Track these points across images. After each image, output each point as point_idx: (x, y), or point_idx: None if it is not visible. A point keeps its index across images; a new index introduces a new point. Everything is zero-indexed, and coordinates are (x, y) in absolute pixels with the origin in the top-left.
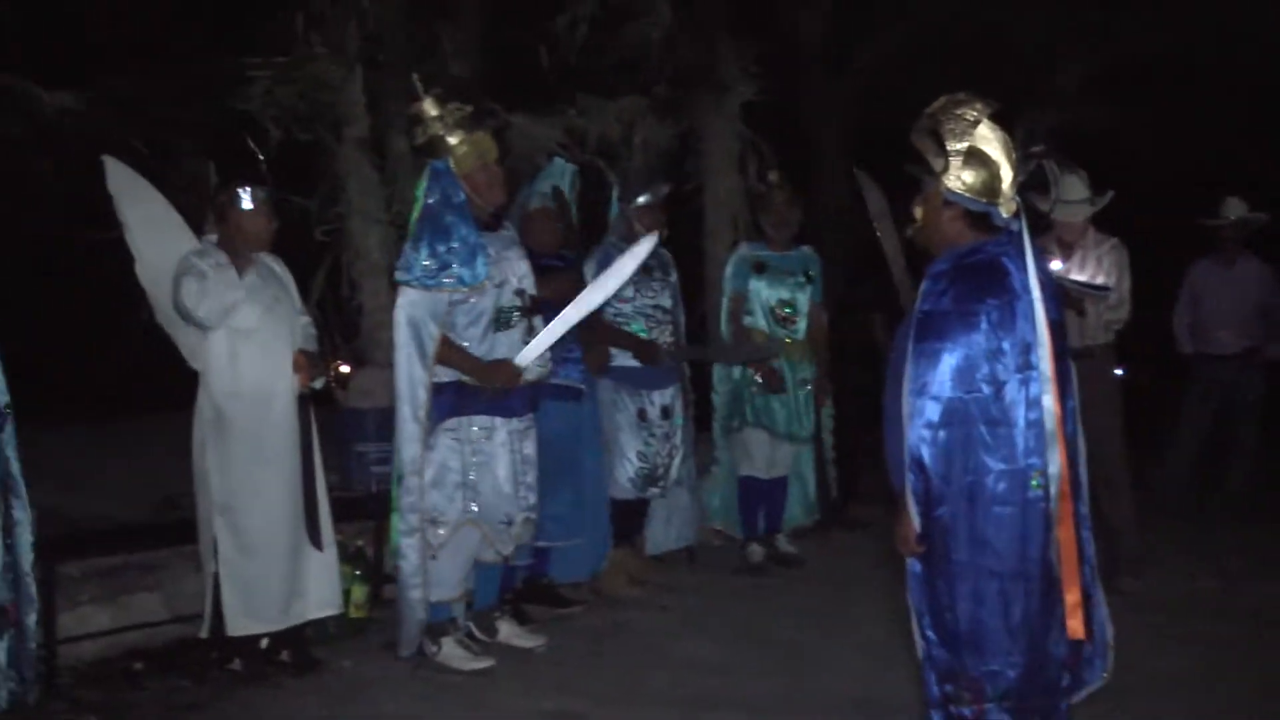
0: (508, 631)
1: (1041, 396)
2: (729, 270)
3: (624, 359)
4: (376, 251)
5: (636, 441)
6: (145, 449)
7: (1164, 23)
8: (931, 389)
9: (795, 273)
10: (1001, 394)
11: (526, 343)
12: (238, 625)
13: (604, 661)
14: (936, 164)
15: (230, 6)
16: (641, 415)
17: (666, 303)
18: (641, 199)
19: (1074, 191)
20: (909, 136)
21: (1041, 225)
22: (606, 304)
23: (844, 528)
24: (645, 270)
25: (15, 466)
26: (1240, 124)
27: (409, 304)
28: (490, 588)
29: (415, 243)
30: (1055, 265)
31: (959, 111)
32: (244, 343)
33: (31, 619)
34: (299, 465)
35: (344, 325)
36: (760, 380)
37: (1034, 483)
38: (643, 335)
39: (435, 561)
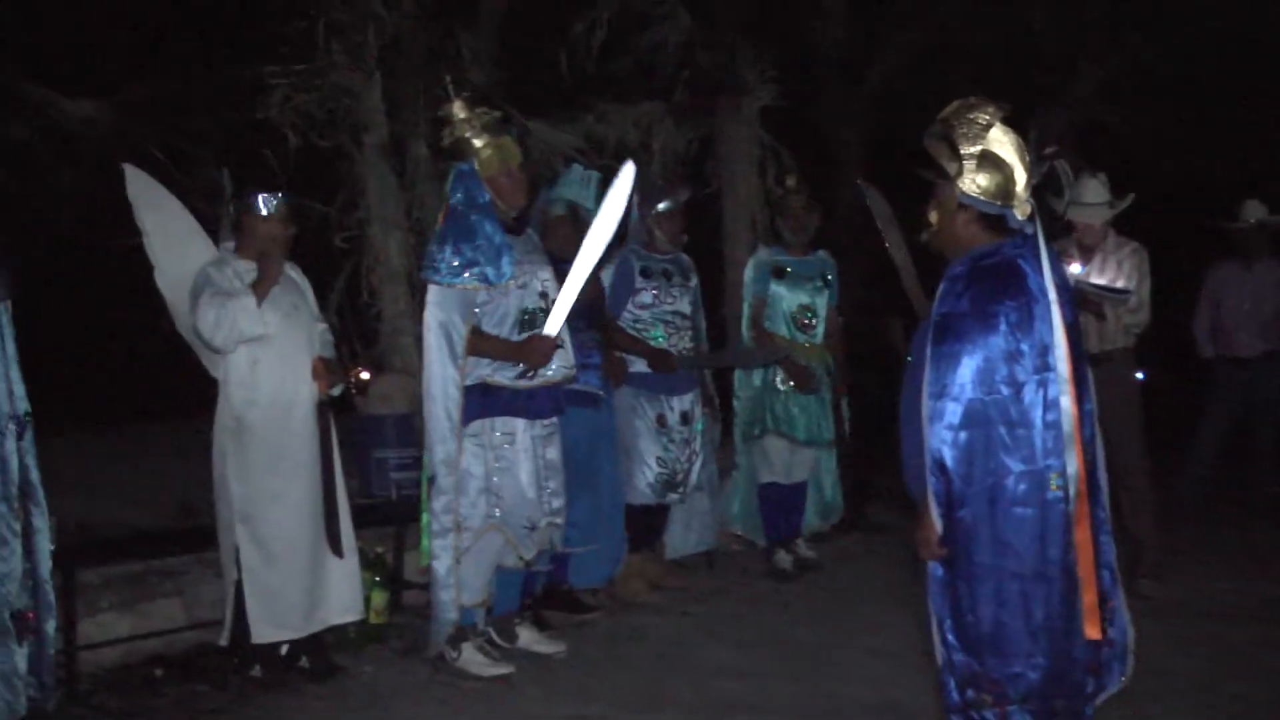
0: (527, 637)
1: (1059, 398)
2: (749, 275)
3: (642, 365)
4: (396, 257)
5: (656, 447)
6: (163, 456)
7: (1182, 25)
8: (951, 391)
9: (813, 277)
10: (1020, 395)
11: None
12: (262, 633)
13: (623, 667)
14: (950, 168)
15: (250, 15)
16: (661, 421)
17: (686, 308)
18: (662, 205)
19: (1094, 194)
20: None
21: (1057, 228)
22: (625, 310)
23: (863, 531)
24: (665, 275)
25: (35, 474)
26: (1261, 127)
27: (436, 303)
28: (511, 593)
29: (440, 242)
30: (1074, 269)
31: (972, 115)
32: (263, 351)
33: (51, 626)
34: (319, 472)
35: (363, 332)
36: (789, 383)
37: (1053, 484)
38: (662, 341)
39: (458, 566)
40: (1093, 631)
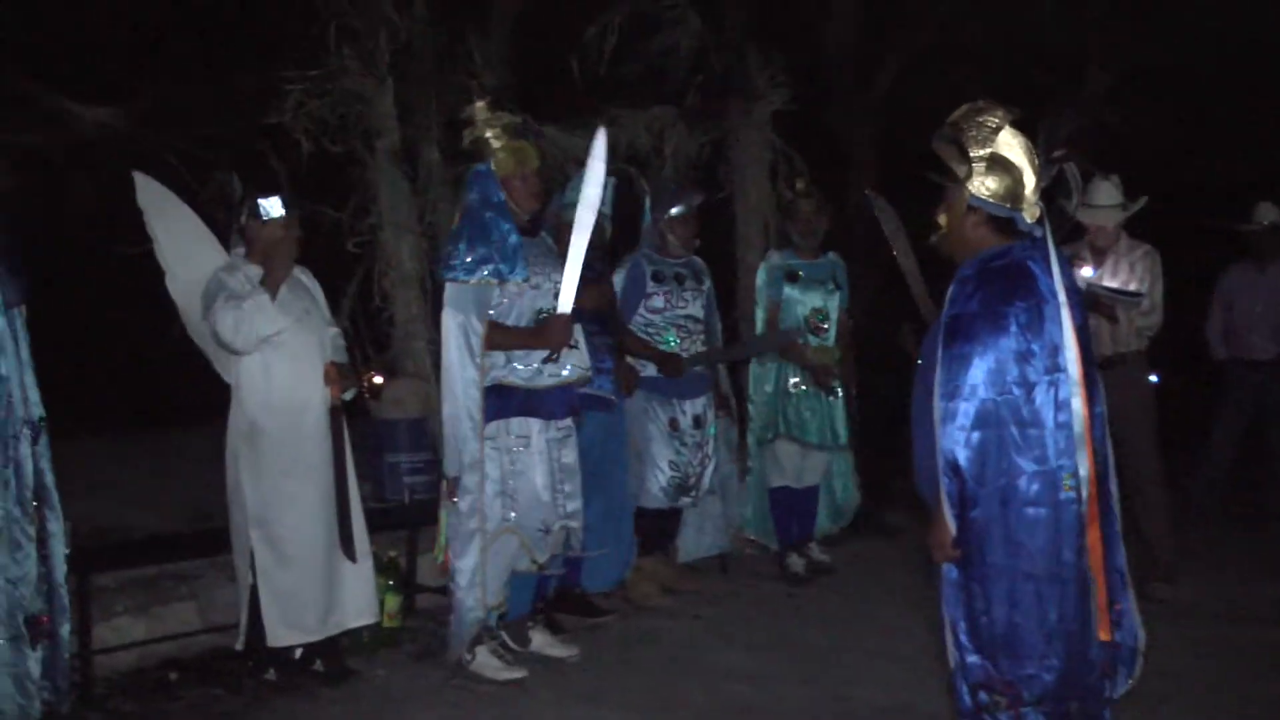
0: (540, 641)
1: (1070, 399)
2: (761, 279)
3: (654, 369)
4: (408, 262)
5: (668, 451)
6: (178, 460)
7: (1191, 26)
8: (964, 391)
9: (824, 280)
10: (1032, 396)
11: (570, 345)
12: (277, 636)
13: (636, 670)
14: (960, 170)
15: (262, 20)
16: (673, 425)
17: (698, 312)
18: (674, 210)
19: (1107, 197)
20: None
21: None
22: (637, 314)
23: (876, 535)
24: (677, 280)
25: (50, 478)
26: (1273, 128)
27: (453, 303)
28: (524, 597)
29: (455, 240)
30: (1086, 272)
31: (981, 119)
32: (275, 355)
33: (65, 630)
34: (332, 476)
35: (376, 336)
36: (801, 387)
37: (1066, 484)
38: (674, 345)
39: (483, 566)
40: (1104, 633)
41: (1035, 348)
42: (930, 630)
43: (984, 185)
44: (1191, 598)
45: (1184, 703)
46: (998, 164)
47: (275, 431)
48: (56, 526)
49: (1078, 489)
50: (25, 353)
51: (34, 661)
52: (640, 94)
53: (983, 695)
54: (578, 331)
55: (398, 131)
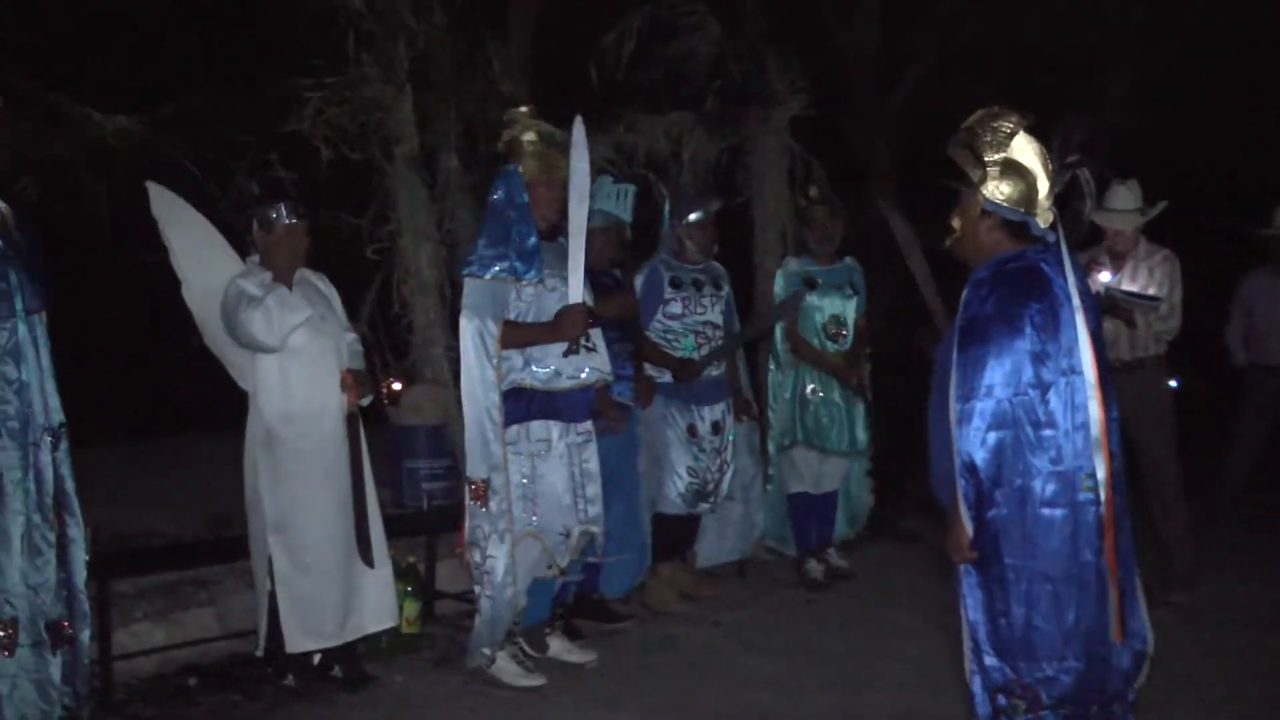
0: (558, 647)
1: (1086, 401)
2: (779, 286)
3: (670, 375)
4: (427, 269)
5: (687, 457)
6: (197, 466)
7: (1212, 29)
8: (979, 393)
9: (842, 285)
10: (1047, 396)
11: (588, 348)
12: (296, 643)
13: (654, 676)
14: (974, 175)
15: (281, 28)
16: (692, 431)
17: (717, 318)
18: (693, 216)
19: (1125, 201)
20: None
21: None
22: (655, 320)
23: (894, 541)
24: (695, 285)
25: (70, 485)
26: None
27: (470, 305)
28: (542, 603)
29: (478, 237)
30: (1105, 276)
31: (995, 124)
32: (293, 362)
33: (85, 635)
34: (350, 482)
35: (395, 343)
36: (819, 395)
37: (1084, 485)
38: (691, 351)
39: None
40: (1118, 635)
41: (1050, 349)
42: (948, 635)
43: (998, 190)
44: (1206, 602)
45: (1197, 707)
46: (1012, 169)
47: (293, 439)
48: (77, 533)
49: (1096, 490)
50: (46, 359)
51: (55, 667)
52: (658, 99)
53: (1001, 699)
54: (597, 336)
55: (416, 138)
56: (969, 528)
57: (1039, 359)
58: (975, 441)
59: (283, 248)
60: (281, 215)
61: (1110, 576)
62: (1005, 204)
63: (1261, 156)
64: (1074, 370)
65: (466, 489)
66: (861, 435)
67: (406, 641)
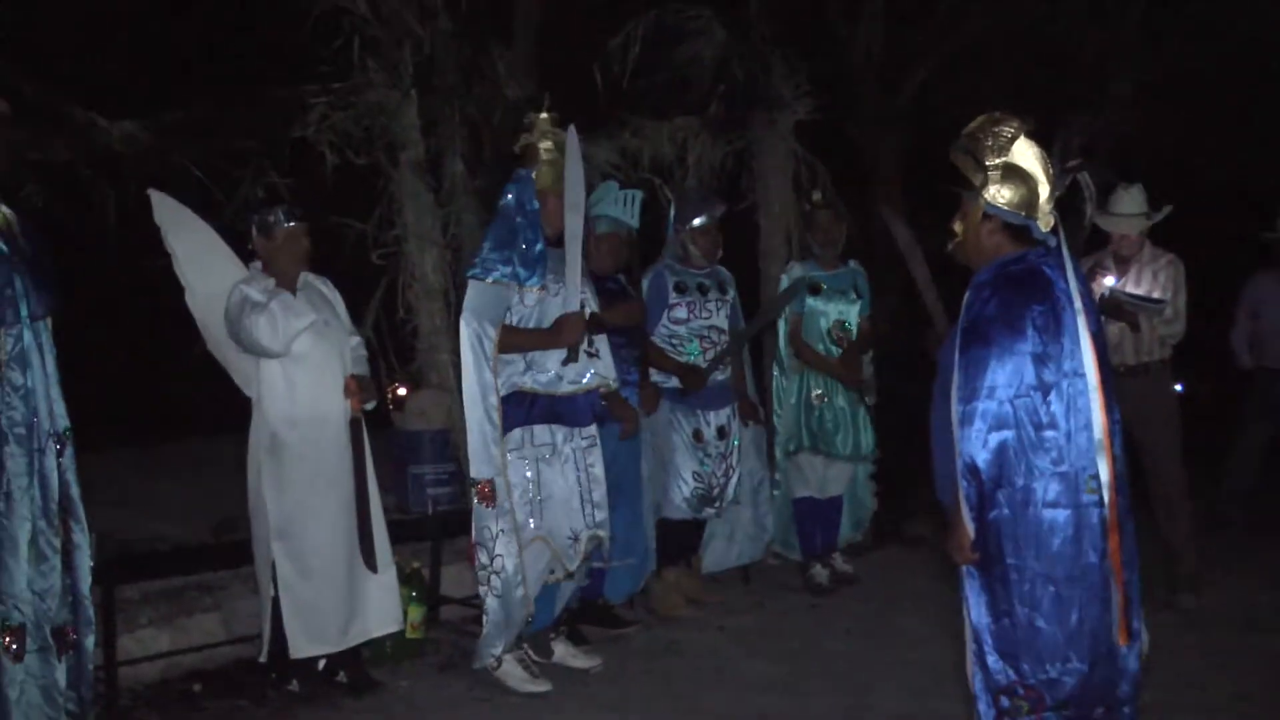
0: (563, 652)
1: (1088, 403)
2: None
3: (676, 380)
4: (432, 274)
5: (692, 462)
6: (202, 472)
7: (1217, 31)
8: (981, 394)
9: (846, 290)
10: (1049, 398)
11: (590, 354)
12: (300, 648)
13: (660, 681)
14: (976, 179)
15: (286, 34)
16: (697, 436)
17: (722, 323)
18: (696, 220)
19: (1130, 205)
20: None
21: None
22: (660, 325)
23: (899, 546)
24: (700, 290)
25: (75, 490)
26: None
27: (471, 308)
28: (547, 608)
29: (484, 240)
30: (1109, 280)
31: (996, 129)
32: (297, 368)
33: (90, 641)
34: (354, 487)
35: (400, 348)
36: (824, 399)
37: (1088, 487)
38: (696, 355)
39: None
40: (1123, 637)
41: (1052, 350)
42: (953, 640)
43: (999, 194)
44: (1212, 606)
45: (1201, 709)
46: (1013, 173)
47: (297, 444)
48: (82, 538)
49: (1099, 492)
50: (51, 365)
51: (60, 672)
52: (664, 104)
53: (1004, 700)
54: (601, 342)
55: (421, 143)
56: (970, 529)
57: (1041, 360)
58: (977, 443)
59: (284, 252)
60: (280, 219)
61: (1115, 578)
62: (1006, 208)
63: (1266, 159)
64: (1076, 372)
65: (472, 490)
66: (866, 440)
67: (411, 647)
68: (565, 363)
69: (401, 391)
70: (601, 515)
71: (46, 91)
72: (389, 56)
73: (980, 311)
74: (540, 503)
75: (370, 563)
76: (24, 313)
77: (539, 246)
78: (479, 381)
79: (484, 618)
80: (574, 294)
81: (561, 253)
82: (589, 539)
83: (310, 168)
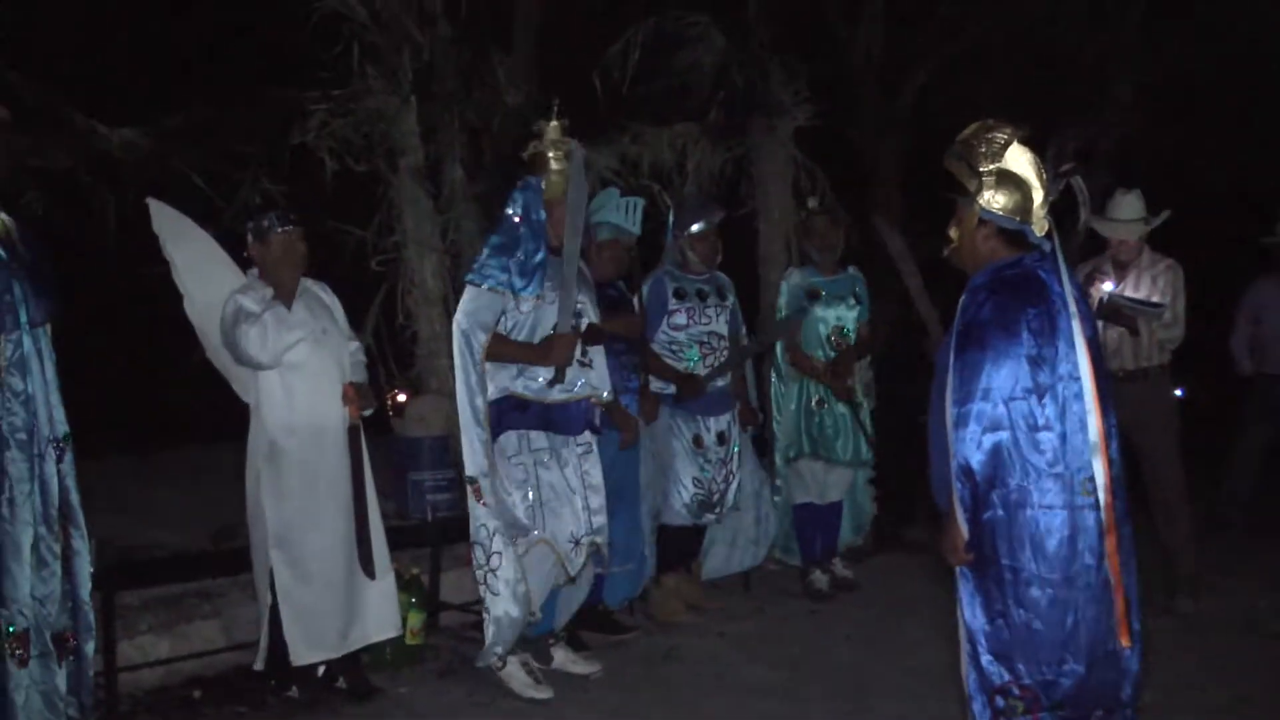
0: (562, 658)
1: (1083, 406)
2: (784, 299)
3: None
4: (431, 280)
5: (692, 468)
6: (197, 479)
7: (1218, 36)
8: (976, 396)
9: (845, 296)
10: (1044, 401)
11: (583, 364)
12: (299, 655)
13: (660, 687)
14: (970, 185)
15: (286, 41)
16: (698, 442)
17: (722, 329)
18: (695, 226)
19: (1129, 211)
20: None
21: (1075, 243)
22: (660, 332)
23: (899, 551)
24: (699, 296)
25: (75, 496)
26: None
27: (465, 311)
28: (549, 614)
29: (485, 245)
30: (1108, 285)
31: (990, 136)
32: (295, 376)
33: (90, 647)
34: (352, 493)
35: (399, 354)
36: (823, 405)
37: (1084, 489)
38: (695, 362)
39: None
40: (1124, 639)
41: (1047, 354)
42: (953, 645)
43: (994, 200)
44: (1212, 609)
45: (1200, 712)
46: (1007, 179)
47: (295, 451)
48: (81, 544)
49: (1095, 495)
50: (50, 371)
51: (60, 678)
52: (663, 110)
53: (999, 700)
54: (596, 353)
55: (421, 150)
56: (965, 530)
57: (1036, 363)
58: (971, 444)
59: (280, 258)
60: (273, 225)
61: (1115, 581)
62: (1001, 213)
63: (1266, 162)
64: (1071, 375)
65: (468, 489)
66: (865, 445)
67: (411, 653)
68: (552, 383)
69: (401, 397)
70: (599, 521)
71: (46, 93)
72: (388, 62)
73: (976, 315)
74: (541, 506)
75: (368, 569)
76: (23, 319)
77: (540, 255)
78: (467, 384)
79: (484, 618)
80: (566, 317)
81: (561, 261)
82: (588, 543)
83: (310, 174)
